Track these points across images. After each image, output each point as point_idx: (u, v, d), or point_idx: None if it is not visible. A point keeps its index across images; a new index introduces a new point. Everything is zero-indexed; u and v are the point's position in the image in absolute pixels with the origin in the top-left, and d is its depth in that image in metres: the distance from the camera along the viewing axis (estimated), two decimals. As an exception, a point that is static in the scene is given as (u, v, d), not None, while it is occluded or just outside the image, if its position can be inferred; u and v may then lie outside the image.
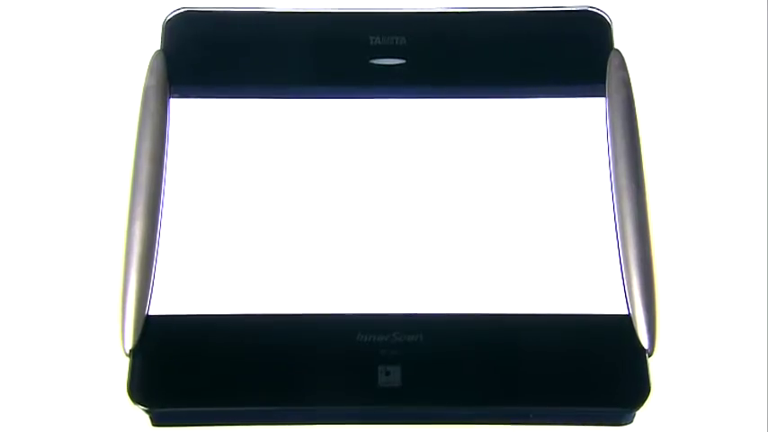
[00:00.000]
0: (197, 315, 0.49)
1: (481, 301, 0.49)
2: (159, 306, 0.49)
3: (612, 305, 0.49)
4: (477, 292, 0.49)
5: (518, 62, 0.53)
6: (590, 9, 0.55)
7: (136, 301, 0.49)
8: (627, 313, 0.49)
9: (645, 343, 0.48)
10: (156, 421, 0.48)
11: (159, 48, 0.54)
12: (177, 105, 0.53)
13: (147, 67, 0.53)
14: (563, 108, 0.53)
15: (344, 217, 0.51)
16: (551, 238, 0.50)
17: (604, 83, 0.53)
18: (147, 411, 0.47)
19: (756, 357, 0.49)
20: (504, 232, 0.50)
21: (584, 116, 0.53)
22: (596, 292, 0.49)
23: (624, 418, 0.48)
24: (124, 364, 0.48)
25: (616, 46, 0.54)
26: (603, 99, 0.53)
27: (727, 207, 0.52)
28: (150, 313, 0.49)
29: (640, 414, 0.48)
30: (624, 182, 0.50)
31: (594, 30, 0.54)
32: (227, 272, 0.50)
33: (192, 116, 0.53)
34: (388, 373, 0.47)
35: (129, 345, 0.48)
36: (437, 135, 0.52)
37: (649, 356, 0.48)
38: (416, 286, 0.49)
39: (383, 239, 0.50)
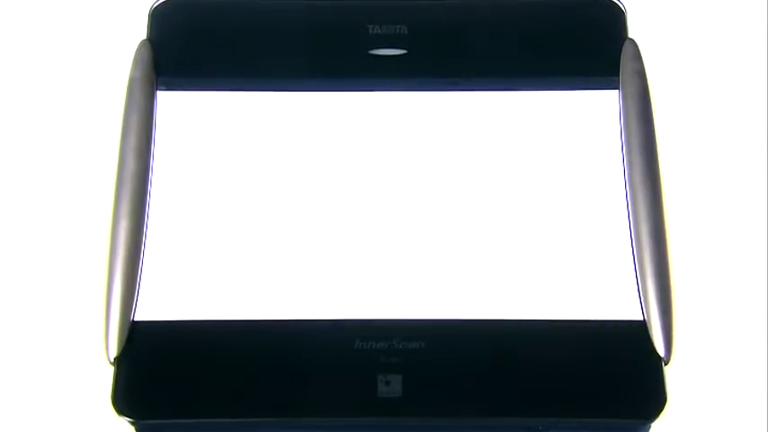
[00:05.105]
0: (186, 321, 0.48)
1: (487, 305, 0.48)
2: (145, 311, 0.48)
3: (626, 310, 0.48)
4: (482, 296, 0.49)
5: (526, 53, 0.53)
6: (602, -4, 0.55)
7: (121, 307, 0.48)
8: (642, 319, 0.48)
9: (661, 350, 0.48)
10: (142, 434, 0.47)
11: (145, 37, 0.54)
12: (164, 98, 0.52)
13: (132, 57, 0.53)
14: (574, 101, 0.52)
15: (342, 216, 0.50)
16: (561, 239, 0.50)
17: (618, 74, 0.52)
18: (132, 423, 0.47)
19: (779, 366, 0.49)
20: (512, 233, 0.50)
21: (596, 110, 0.52)
22: (609, 296, 0.49)
23: (639, 430, 0.47)
24: (108, 373, 0.47)
25: (630, 35, 0.54)
26: (617, 92, 0.52)
27: (749, 206, 0.52)
28: (136, 319, 0.48)
29: (656, 426, 0.47)
30: (639, 179, 0.50)
31: (607, 18, 0.54)
32: (217, 275, 0.49)
33: (179, 109, 0.52)
34: (388, 383, 0.47)
35: (114, 352, 0.48)
36: (440, 130, 0.52)
37: (665, 365, 0.48)
38: (418, 290, 0.49)
39: (383, 240, 0.50)
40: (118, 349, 0.47)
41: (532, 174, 0.51)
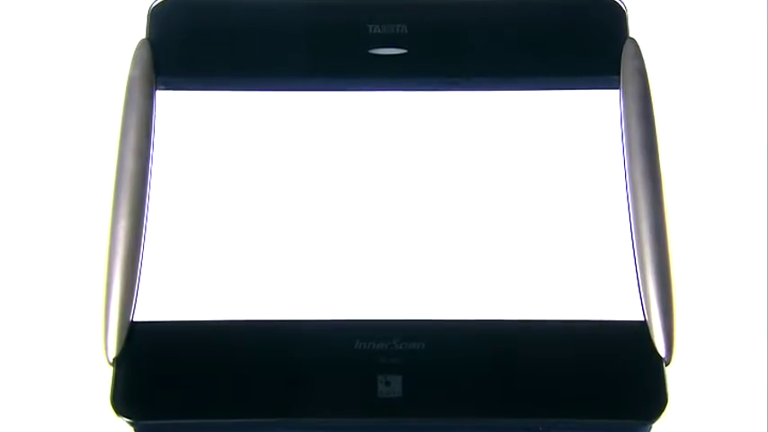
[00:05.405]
0: (185, 321, 0.48)
1: (487, 306, 0.48)
2: (145, 312, 0.48)
3: (627, 311, 0.48)
4: (482, 296, 0.48)
5: (527, 52, 0.53)
6: (603, -5, 0.55)
7: (120, 307, 0.48)
8: (642, 319, 0.48)
9: (662, 351, 0.47)
10: (142, 435, 0.47)
11: (144, 36, 0.54)
12: (164, 98, 0.52)
13: (131, 57, 0.53)
14: (574, 101, 0.52)
15: (342, 217, 0.50)
16: (562, 239, 0.49)
17: (619, 74, 0.52)
18: (131, 424, 0.47)
19: (781, 367, 0.49)
20: (512, 233, 0.50)
21: (597, 109, 0.52)
22: (609, 296, 0.48)
23: (639, 430, 0.47)
24: (107, 374, 0.47)
25: (631, 35, 0.54)
26: (618, 91, 0.52)
27: (751, 205, 0.52)
28: (135, 319, 0.48)
29: (656, 427, 0.47)
30: (640, 179, 0.50)
31: (608, 18, 0.54)
32: (216, 275, 0.49)
33: (179, 109, 0.52)
34: (388, 383, 0.47)
35: (113, 353, 0.47)
36: (440, 130, 0.51)
37: (666, 365, 0.47)
38: (418, 290, 0.49)
39: (383, 240, 0.49)
40: (117, 350, 0.47)
41: (533, 174, 0.50)
